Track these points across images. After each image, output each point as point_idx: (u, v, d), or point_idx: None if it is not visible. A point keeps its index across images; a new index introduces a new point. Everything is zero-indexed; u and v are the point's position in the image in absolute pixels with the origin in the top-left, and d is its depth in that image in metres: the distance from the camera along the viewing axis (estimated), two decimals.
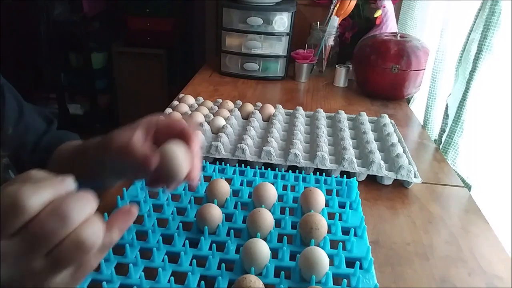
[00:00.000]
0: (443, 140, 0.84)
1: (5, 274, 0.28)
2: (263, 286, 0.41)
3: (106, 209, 0.54)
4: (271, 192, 0.57)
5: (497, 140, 0.72)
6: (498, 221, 0.64)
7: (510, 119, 0.69)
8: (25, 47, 2.19)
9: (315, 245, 0.48)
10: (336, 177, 0.67)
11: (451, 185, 0.71)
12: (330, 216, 0.55)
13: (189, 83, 1.18)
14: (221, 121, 0.81)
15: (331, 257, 0.47)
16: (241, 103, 0.93)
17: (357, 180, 0.65)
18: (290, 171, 0.67)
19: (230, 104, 0.92)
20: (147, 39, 2.16)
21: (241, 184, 0.64)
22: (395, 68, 1.02)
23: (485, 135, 0.75)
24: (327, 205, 0.58)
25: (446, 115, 0.86)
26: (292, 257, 0.48)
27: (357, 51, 1.13)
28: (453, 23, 0.86)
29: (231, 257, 0.48)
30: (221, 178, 0.61)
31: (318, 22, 1.27)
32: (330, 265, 0.46)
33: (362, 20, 1.35)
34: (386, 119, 0.87)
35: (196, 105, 0.94)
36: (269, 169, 0.69)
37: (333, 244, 0.50)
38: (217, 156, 0.72)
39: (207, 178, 0.64)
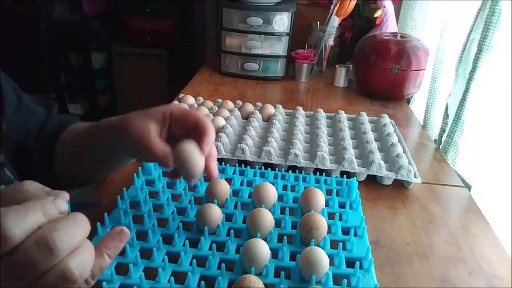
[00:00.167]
0: (443, 140, 0.84)
1: None
2: (263, 286, 0.41)
3: (106, 209, 0.54)
4: (271, 192, 0.57)
5: (497, 140, 0.72)
6: (498, 221, 0.64)
7: (510, 119, 0.69)
8: (25, 47, 2.19)
9: (315, 245, 0.48)
10: (336, 177, 0.67)
11: (451, 185, 0.71)
12: (330, 216, 0.55)
13: (189, 83, 1.18)
14: (221, 121, 0.81)
15: (331, 257, 0.47)
16: (241, 103, 0.93)
17: (357, 180, 0.65)
18: (290, 171, 0.67)
19: (230, 104, 0.92)
20: (147, 39, 2.16)
21: (241, 184, 0.64)
22: (395, 68, 1.02)
23: (485, 135, 0.75)
24: (327, 205, 0.58)
25: (446, 115, 0.86)
26: (292, 257, 0.48)
27: (357, 51, 1.13)
28: (453, 23, 0.86)
29: (231, 257, 0.48)
30: (221, 178, 0.61)
31: (318, 22, 1.27)
32: (330, 265, 0.45)
33: (362, 20, 1.35)
34: (386, 119, 0.87)
35: (196, 105, 0.94)
36: (269, 169, 0.69)
37: (333, 244, 0.50)
38: (217, 156, 0.71)
39: (207, 178, 0.64)
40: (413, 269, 0.51)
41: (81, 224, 0.29)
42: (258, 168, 0.70)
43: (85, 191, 0.66)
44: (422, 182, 0.68)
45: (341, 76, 1.19)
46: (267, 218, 0.51)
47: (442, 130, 0.87)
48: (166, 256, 0.46)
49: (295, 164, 0.70)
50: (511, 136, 0.68)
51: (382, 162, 0.68)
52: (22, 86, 0.58)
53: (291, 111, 0.92)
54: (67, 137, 0.57)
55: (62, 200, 0.30)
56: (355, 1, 1.21)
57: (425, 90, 0.99)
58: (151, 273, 0.44)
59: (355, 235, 0.53)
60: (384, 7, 1.20)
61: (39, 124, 0.58)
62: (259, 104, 0.94)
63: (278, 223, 0.54)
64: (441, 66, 0.89)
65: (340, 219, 0.56)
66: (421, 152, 0.84)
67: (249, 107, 0.90)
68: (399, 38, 1.05)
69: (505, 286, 0.49)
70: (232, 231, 0.51)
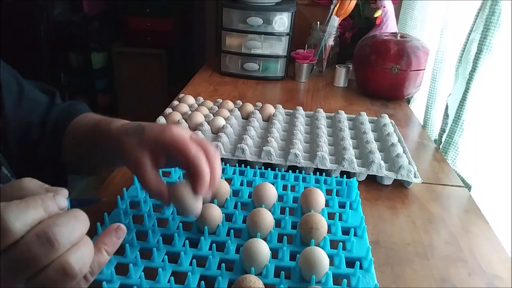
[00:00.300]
0: (443, 140, 0.84)
1: None
2: (263, 286, 0.41)
3: (106, 209, 0.54)
4: (271, 192, 0.57)
5: (497, 140, 0.72)
6: (498, 221, 0.64)
7: (510, 119, 0.69)
8: (25, 47, 2.19)
9: (315, 245, 0.48)
10: (336, 177, 0.67)
11: (451, 185, 0.71)
12: (330, 216, 0.55)
13: (189, 83, 1.18)
14: (221, 121, 0.81)
15: (331, 257, 0.47)
16: (241, 103, 0.93)
17: (357, 180, 0.65)
18: (290, 171, 0.67)
19: (230, 104, 0.92)
20: (147, 39, 2.16)
21: (241, 184, 0.64)
22: (395, 68, 1.02)
23: (485, 135, 0.75)
24: (327, 205, 0.58)
25: (446, 115, 0.86)
26: (292, 257, 0.48)
27: (357, 51, 1.13)
28: (453, 23, 0.86)
29: (231, 257, 0.48)
30: (221, 178, 0.61)
31: (318, 22, 1.27)
32: (330, 265, 0.45)
33: (362, 20, 1.35)
34: (386, 119, 0.87)
35: (196, 105, 0.94)
36: (269, 169, 0.69)
37: (333, 244, 0.50)
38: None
39: None
40: (413, 269, 0.51)
41: (81, 220, 0.29)
42: (258, 168, 0.70)
43: (85, 190, 0.66)
44: (422, 182, 0.68)
45: (341, 76, 1.19)
46: (267, 218, 0.51)
47: (442, 130, 0.87)
48: (166, 256, 0.46)
49: (295, 164, 0.70)
50: (511, 136, 0.68)
51: (382, 162, 0.68)
52: None
53: (291, 111, 0.92)
54: (72, 132, 0.57)
55: (62, 197, 0.30)
56: (355, 1, 1.21)
57: (425, 90, 0.99)
58: (151, 273, 0.44)
59: (355, 235, 0.53)
60: (384, 7, 1.20)
61: (42, 114, 0.57)
62: (259, 104, 0.94)
63: (278, 223, 0.54)
64: (441, 66, 0.89)
65: (340, 219, 0.56)
66: (421, 152, 0.84)
67: (249, 107, 0.90)
68: (399, 38, 1.05)
69: (505, 286, 0.49)
70: (232, 231, 0.51)
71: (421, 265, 0.52)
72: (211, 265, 0.47)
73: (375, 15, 1.20)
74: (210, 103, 0.93)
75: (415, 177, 0.67)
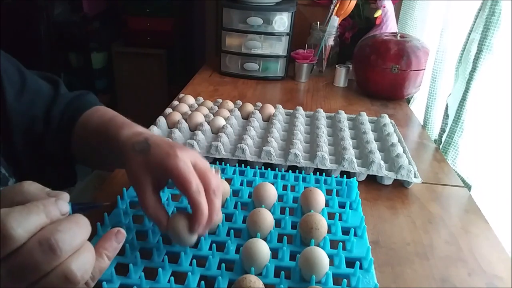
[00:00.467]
0: (443, 140, 0.84)
1: None
2: (263, 286, 0.41)
3: (106, 209, 0.54)
4: (271, 192, 0.57)
5: (497, 140, 0.72)
6: (498, 221, 0.64)
7: (510, 119, 0.69)
8: (25, 47, 2.19)
9: (315, 245, 0.48)
10: (336, 177, 0.67)
11: (451, 185, 0.71)
12: (330, 216, 0.55)
13: (189, 83, 1.18)
14: (221, 121, 0.81)
15: (331, 257, 0.47)
16: (241, 103, 0.93)
17: (357, 180, 0.65)
18: (290, 171, 0.67)
19: (230, 104, 0.92)
20: (147, 39, 2.16)
21: (241, 184, 0.64)
22: (395, 68, 1.02)
23: (485, 135, 0.75)
24: (327, 205, 0.58)
25: (446, 115, 0.86)
26: (292, 257, 0.48)
27: (357, 51, 1.13)
28: (453, 23, 0.86)
29: (231, 257, 0.48)
30: (221, 178, 0.61)
31: (318, 22, 1.27)
32: (330, 265, 0.45)
33: (362, 20, 1.35)
34: (386, 119, 0.87)
35: (196, 105, 0.94)
36: (269, 169, 0.69)
37: (333, 244, 0.50)
38: (217, 156, 0.72)
39: None
40: (413, 269, 0.51)
41: (83, 226, 0.29)
42: (258, 168, 0.70)
43: (85, 191, 0.66)
44: (422, 182, 0.68)
45: (341, 76, 1.19)
46: (267, 218, 0.51)
47: (442, 130, 0.87)
48: (166, 256, 0.46)
49: (295, 164, 0.70)
50: (511, 136, 0.68)
51: (382, 162, 0.68)
52: None
53: (291, 111, 0.92)
54: (82, 127, 0.56)
55: (64, 202, 0.30)
56: (355, 1, 1.21)
57: (425, 90, 0.99)
58: (151, 273, 0.44)
59: (355, 235, 0.53)
60: (384, 7, 1.20)
61: (46, 105, 0.56)
62: (259, 104, 0.94)
63: (278, 223, 0.54)
64: (441, 66, 0.89)
65: (340, 219, 0.56)
66: (421, 152, 0.84)
67: (249, 107, 0.90)
68: (399, 38, 1.05)
69: (505, 286, 0.49)
70: (232, 231, 0.51)
71: (421, 265, 0.52)
72: (211, 265, 0.47)
73: (375, 15, 1.21)
74: (210, 103, 0.93)
75: (415, 177, 0.67)
